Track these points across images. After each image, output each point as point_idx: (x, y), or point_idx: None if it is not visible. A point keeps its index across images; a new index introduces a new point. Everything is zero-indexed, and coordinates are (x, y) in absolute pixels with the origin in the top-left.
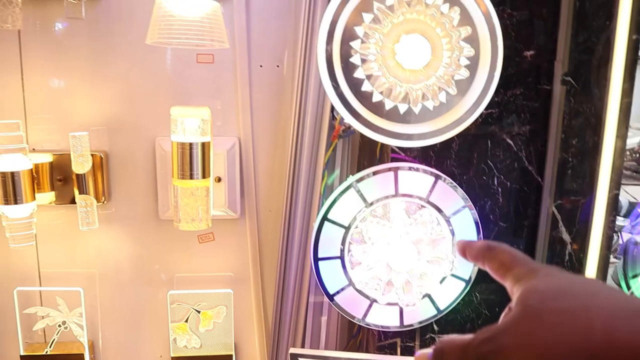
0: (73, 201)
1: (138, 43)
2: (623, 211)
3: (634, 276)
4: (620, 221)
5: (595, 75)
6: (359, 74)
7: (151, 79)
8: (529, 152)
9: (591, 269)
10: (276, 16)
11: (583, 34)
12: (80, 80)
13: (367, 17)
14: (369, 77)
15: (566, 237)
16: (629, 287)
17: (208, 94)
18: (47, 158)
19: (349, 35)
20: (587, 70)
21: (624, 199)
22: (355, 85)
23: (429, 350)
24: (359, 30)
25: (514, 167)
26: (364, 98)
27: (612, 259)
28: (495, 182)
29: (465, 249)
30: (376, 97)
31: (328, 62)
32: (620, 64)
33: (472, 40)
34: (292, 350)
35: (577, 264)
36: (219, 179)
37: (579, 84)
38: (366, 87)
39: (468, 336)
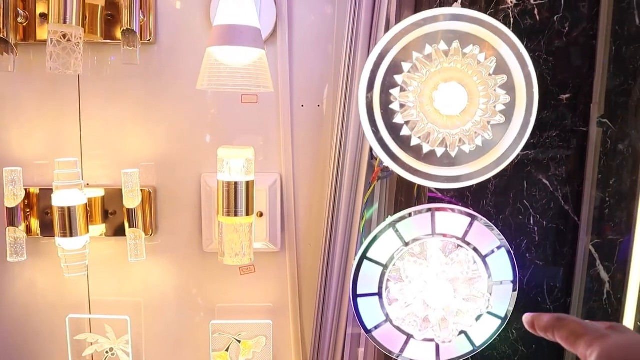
0: (122, 233)
1: (186, 85)
2: None
3: None
4: None
5: (633, 117)
6: (398, 119)
7: (198, 118)
8: (566, 192)
9: (630, 308)
10: (317, 58)
11: (620, 77)
12: (132, 120)
13: (406, 66)
14: (407, 122)
15: (604, 275)
16: None
17: (252, 131)
18: (100, 192)
19: (388, 83)
20: (624, 112)
21: None
22: (394, 129)
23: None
24: (398, 79)
25: (550, 206)
26: (403, 142)
27: None
28: (532, 222)
29: (533, 322)
30: (414, 142)
31: (368, 109)
32: None
33: (508, 87)
34: None
35: (615, 303)
36: (260, 214)
37: (616, 125)
38: (405, 131)
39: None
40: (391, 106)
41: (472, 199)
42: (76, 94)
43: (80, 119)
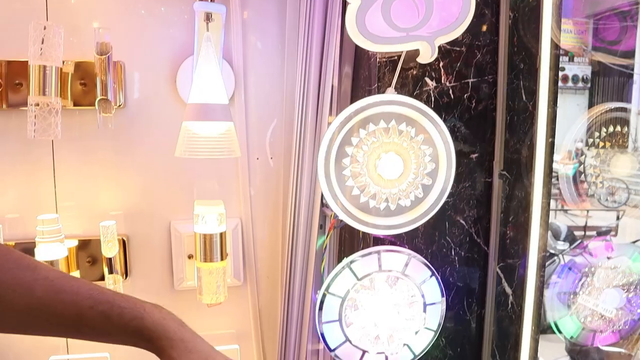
0: (99, 279)
1: (154, 143)
2: (562, 236)
3: (560, 317)
4: (560, 245)
5: (524, 170)
6: (349, 183)
7: (165, 172)
8: (477, 228)
9: (528, 313)
10: (269, 115)
11: (513, 140)
12: (104, 175)
13: (355, 140)
14: (358, 186)
15: (508, 290)
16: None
17: (213, 181)
18: (74, 243)
19: (341, 153)
20: (518, 166)
21: (563, 225)
22: (346, 190)
23: None
24: (349, 150)
25: (466, 240)
26: (354, 199)
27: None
28: (453, 253)
29: None
30: (363, 199)
31: (326, 175)
32: (540, 161)
33: (433, 155)
34: None
35: (517, 310)
36: (226, 255)
37: (512, 176)
38: (355, 192)
39: None
40: (343, 172)
41: (406, 238)
42: (50, 155)
43: (54, 176)
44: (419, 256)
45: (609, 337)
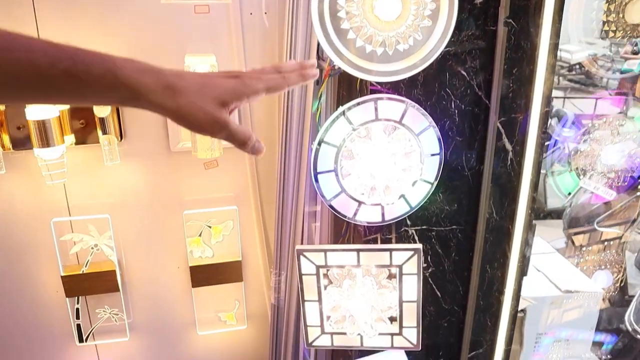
0: (92, 141)
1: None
2: (568, 123)
3: (559, 173)
4: (565, 132)
5: (532, 18)
6: (344, 25)
7: (155, 27)
8: (479, 80)
9: (527, 169)
10: None
11: None
12: (91, 33)
13: None
14: (353, 27)
15: (508, 146)
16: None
17: (205, 40)
18: (66, 105)
19: None
20: (525, 14)
21: (570, 111)
22: (341, 33)
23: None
24: None
25: (467, 93)
26: (349, 44)
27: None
28: (453, 106)
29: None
30: (359, 43)
31: (320, 16)
32: (550, 9)
33: None
34: (297, 247)
35: (517, 167)
36: None
37: (518, 25)
38: (351, 35)
39: None
40: (338, 14)
41: (405, 89)
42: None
43: (37, 29)
44: (417, 105)
45: (607, 194)
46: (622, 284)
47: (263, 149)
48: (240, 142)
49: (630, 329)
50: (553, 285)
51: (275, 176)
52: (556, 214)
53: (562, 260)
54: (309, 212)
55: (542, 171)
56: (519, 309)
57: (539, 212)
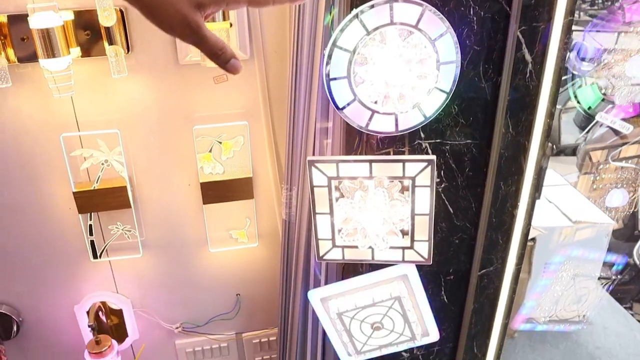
0: (98, 53)
1: None
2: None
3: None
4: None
5: None
6: None
7: None
8: None
9: (547, 83)
10: None
11: None
12: None
13: None
14: None
15: (528, 57)
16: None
17: None
18: (70, 15)
19: None
20: None
21: (590, 45)
22: None
23: None
24: None
25: None
26: None
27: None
28: (471, 12)
29: None
30: None
31: None
32: None
33: None
34: (309, 158)
35: (536, 80)
36: (230, 25)
37: None
38: None
39: None
40: None
41: None
42: None
43: None
44: (434, 9)
45: (624, 127)
46: (635, 208)
47: (240, 67)
48: (211, 51)
49: (638, 262)
50: (564, 216)
51: (287, 92)
52: (570, 151)
53: (574, 193)
54: (321, 129)
55: (558, 107)
56: (529, 237)
57: (553, 148)
